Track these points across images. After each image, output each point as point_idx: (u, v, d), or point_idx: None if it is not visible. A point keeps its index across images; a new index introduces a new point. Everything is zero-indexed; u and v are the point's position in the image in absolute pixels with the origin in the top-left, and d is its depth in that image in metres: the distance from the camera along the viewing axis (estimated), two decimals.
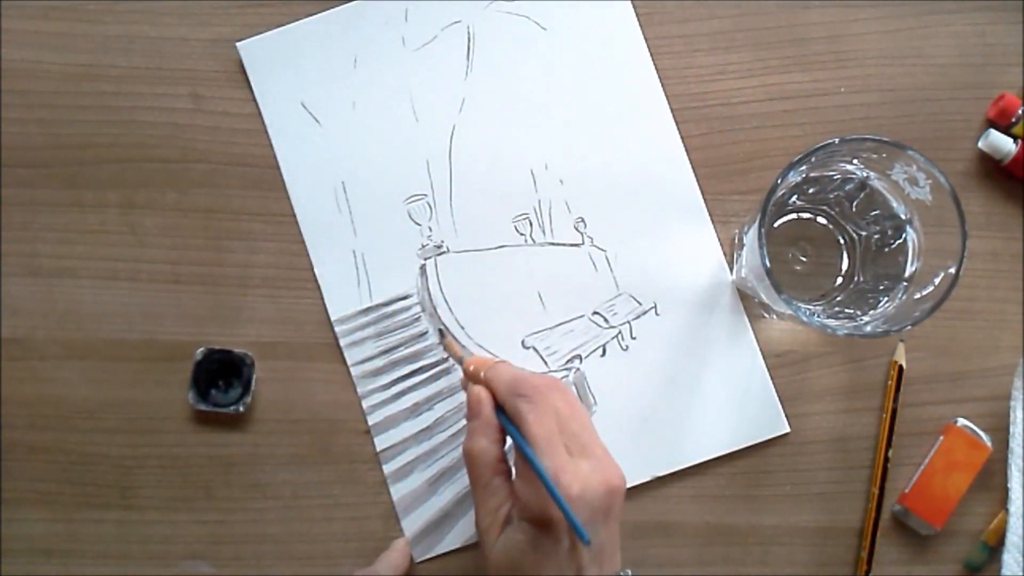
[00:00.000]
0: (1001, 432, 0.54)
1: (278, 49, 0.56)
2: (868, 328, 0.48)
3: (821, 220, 0.53)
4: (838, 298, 0.52)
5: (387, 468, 0.54)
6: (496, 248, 0.55)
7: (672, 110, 0.56)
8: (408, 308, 0.55)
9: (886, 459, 0.54)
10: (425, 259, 0.55)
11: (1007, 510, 0.53)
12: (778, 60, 0.56)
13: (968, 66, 0.56)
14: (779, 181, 0.46)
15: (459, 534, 0.54)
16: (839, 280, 0.53)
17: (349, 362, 0.54)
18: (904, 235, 0.50)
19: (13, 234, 0.55)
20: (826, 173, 0.51)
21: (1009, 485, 0.53)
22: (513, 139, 0.56)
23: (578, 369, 0.55)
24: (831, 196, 0.52)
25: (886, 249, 0.51)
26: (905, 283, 0.50)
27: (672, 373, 0.55)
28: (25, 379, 0.54)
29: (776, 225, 0.53)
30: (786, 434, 0.55)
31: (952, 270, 0.46)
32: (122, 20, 0.56)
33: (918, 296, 0.48)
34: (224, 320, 0.55)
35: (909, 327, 0.46)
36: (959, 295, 0.47)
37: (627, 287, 0.55)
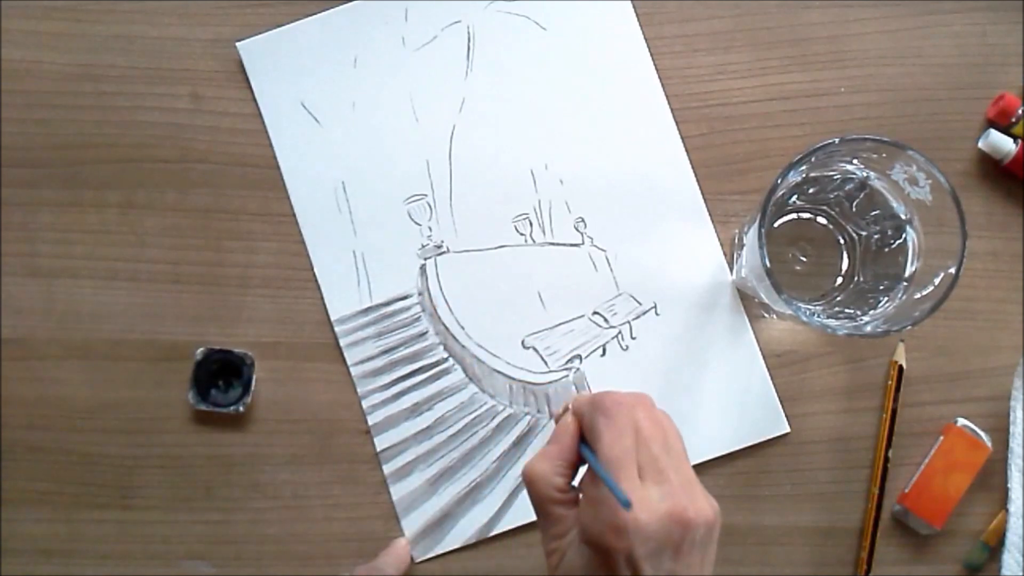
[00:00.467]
0: (1001, 432, 0.54)
1: (278, 49, 0.56)
2: (868, 328, 0.47)
3: (821, 220, 0.53)
4: (838, 298, 0.52)
5: (387, 468, 0.54)
6: (496, 248, 0.55)
7: (672, 110, 0.56)
8: (408, 308, 0.55)
9: (886, 459, 0.54)
10: (425, 259, 0.55)
11: (1007, 510, 0.53)
12: (778, 60, 0.56)
13: (968, 66, 0.56)
14: (779, 181, 0.46)
15: (459, 534, 0.54)
16: (839, 280, 0.53)
17: (349, 362, 0.54)
18: (904, 235, 0.50)
19: (13, 234, 0.55)
20: (826, 173, 0.51)
21: (1009, 485, 0.53)
22: (513, 139, 0.56)
23: (578, 369, 0.55)
24: (831, 196, 0.52)
25: (886, 249, 0.51)
26: (905, 283, 0.50)
27: (672, 373, 0.55)
28: (25, 379, 0.54)
29: (776, 225, 0.53)
30: (786, 434, 0.55)
31: (952, 270, 0.46)
32: (122, 20, 0.56)
33: (918, 296, 0.48)
34: (224, 320, 0.55)
35: (909, 327, 0.46)
36: (959, 295, 0.47)
37: (627, 287, 0.55)
